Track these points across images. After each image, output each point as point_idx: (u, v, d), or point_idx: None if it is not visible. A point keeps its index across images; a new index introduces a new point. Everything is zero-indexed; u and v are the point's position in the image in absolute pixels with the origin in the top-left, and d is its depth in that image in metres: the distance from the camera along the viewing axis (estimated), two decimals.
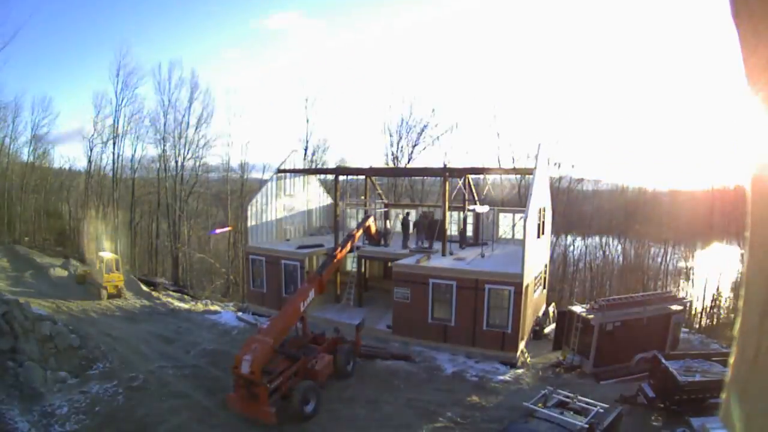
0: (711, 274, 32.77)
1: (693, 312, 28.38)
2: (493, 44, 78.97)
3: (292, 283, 19.82)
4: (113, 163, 40.51)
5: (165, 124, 39.81)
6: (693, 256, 35.68)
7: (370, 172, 22.83)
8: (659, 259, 37.46)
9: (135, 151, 41.43)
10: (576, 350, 14.97)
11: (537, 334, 18.66)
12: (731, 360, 0.57)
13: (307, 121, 41.41)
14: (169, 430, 11.45)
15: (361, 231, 18.33)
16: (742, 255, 29.77)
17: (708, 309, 30.70)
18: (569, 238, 39.30)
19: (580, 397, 10.40)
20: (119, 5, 64.52)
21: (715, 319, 29.93)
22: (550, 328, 18.71)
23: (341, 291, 21.16)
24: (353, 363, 14.62)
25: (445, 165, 20.07)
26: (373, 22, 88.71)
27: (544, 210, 19.65)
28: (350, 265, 22.97)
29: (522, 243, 15.96)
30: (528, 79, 74.62)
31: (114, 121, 39.73)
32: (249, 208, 21.31)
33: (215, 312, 22.37)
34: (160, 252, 41.30)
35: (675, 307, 15.48)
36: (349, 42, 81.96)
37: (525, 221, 15.63)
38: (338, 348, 14.31)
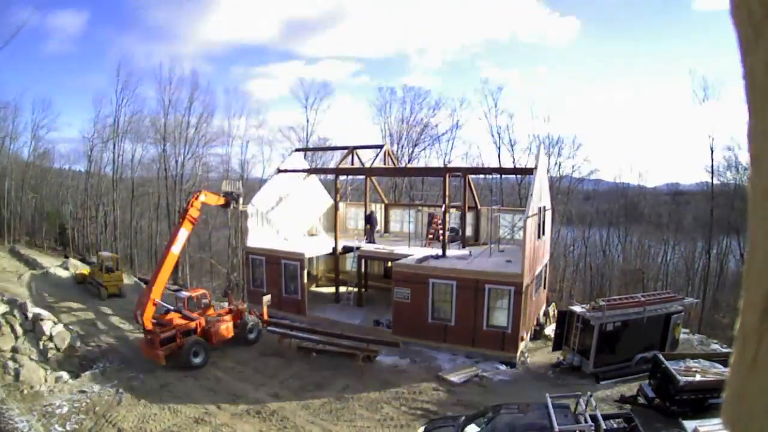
0: (711, 274, 32.75)
1: (693, 312, 28.35)
2: (494, 43, 79.03)
3: (292, 282, 19.84)
4: (113, 162, 40.58)
5: (165, 124, 39.84)
6: (693, 256, 35.68)
7: (370, 172, 22.81)
8: (659, 259, 37.48)
9: (135, 150, 41.48)
10: (576, 350, 14.96)
11: (537, 334, 18.66)
12: (731, 360, 0.57)
13: (307, 121, 41.48)
14: (169, 430, 11.46)
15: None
16: (742, 254, 29.76)
17: (708, 309, 30.69)
18: (569, 238, 39.32)
19: (597, 413, 9.17)
20: (119, 4, 64.57)
21: (715, 319, 29.91)
22: (550, 328, 18.70)
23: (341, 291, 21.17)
24: (257, 333, 16.89)
25: (445, 165, 20.07)
26: (373, 20, 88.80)
27: (545, 210, 19.64)
28: (350, 264, 22.97)
29: (522, 243, 15.96)
30: (528, 78, 74.73)
31: (114, 120, 39.80)
32: (249, 207, 21.31)
33: None
34: (160, 252, 41.29)
35: (675, 308, 15.47)
36: (348, 41, 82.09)
37: (525, 221, 15.62)
38: (242, 318, 16.72)
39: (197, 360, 14.71)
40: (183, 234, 16.15)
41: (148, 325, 14.53)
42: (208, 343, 15.29)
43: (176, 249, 15.98)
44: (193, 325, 15.36)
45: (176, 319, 15.51)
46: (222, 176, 43.03)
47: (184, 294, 16.90)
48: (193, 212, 16.58)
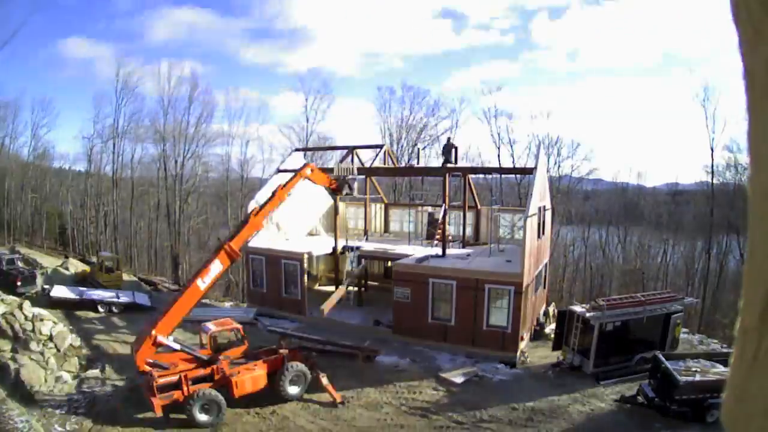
0: (711, 274, 32.75)
1: (693, 312, 28.36)
2: (493, 42, 79.04)
3: (292, 282, 19.84)
4: (113, 162, 40.58)
5: (165, 124, 39.86)
6: (693, 256, 35.69)
7: (370, 172, 22.80)
8: (659, 259, 37.49)
9: (135, 150, 41.48)
10: (576, 350, 14.96)
11: (537, 334, 18.66)
12: (731, 360, 0.57)
13: (307, 120, 41.49)
14: (169, 430, 11.46)
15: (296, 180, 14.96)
16: (742, 254, 29.76)
17: (708, 309, 30.69)
18: (569, 238, 39.35)
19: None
20: (119, 4, 64.60)
21: (715, 319, 29.92)
22: (550, 328, 18.70)
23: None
24: (303, 386, 12.81)
25: (445, 165, 20.04)
26: (372, 20, 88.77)
27: (544, 210, 19.64)
28: (350, 264, 22.96)
29: (522, 243, 15.96)
30: (528, 77, 74.69)
31: (114, 120, 39.80)
32: (249, 207, 21.31)
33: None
34: (160, 252, 41.30)
35: (675, 307, 15.47)
36: (348, 40, 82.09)
37: (525, 221, 15.63)
38: (286, 365, 12.64)
39: (204, 418, 11.41)
40: (217, 267, 12.91)
41: (142, 366, 11.63)
42: (229, 394, 11.91)
43: (203, 283, 12.67)
44: (206, 371, 12.05)
45: (181, 362, 12.31)
46: (222, 176, 43.16)
47: (209, 328, 12.78)
48: (283, 194, 13.92)
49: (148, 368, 11.67)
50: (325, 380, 12.77)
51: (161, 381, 11.39)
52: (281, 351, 13.12)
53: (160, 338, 11.80)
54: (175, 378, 11.61)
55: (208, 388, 11.73)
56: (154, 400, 11.07)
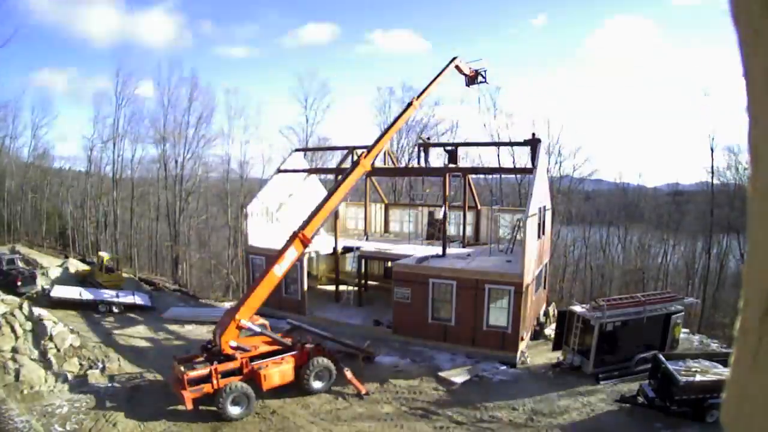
0: (711, 274, 32.74)
1: (693, 312, 28.35)
2: (493, 41, 79.11)
3: (292, 282, 19.83)
4: (113, 163, 40.54)
5: (165, 124, 39.84)
6: (693, 256, 35.68)
7: (370, 172, 22.77)
8: (659, 259, 37.48)
9: (135, 151, 41.44)
10: (576, 350, 14.96)
11: (537, 334, 18.66)
12: (731, 360, 0.57)
13: (307, 120, 41.46)
14: (170, 430, 11.46)
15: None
16: (742, 254, 29.75)
17: (708, 309, 30.67)
18: (569, 238, 39.33)
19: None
20: (119, 4, 64.63)
21: (715, 319, 29.91)
22: (550, 328, 18.69)
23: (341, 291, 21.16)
24: (329, 380, 13.34)
25: (445, 164, 20.05)
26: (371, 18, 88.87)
27: (545, 210, 19.64)
28: (350, 264, 22.97)
29: (522, 243, 15.97)
30: (528, 76, 74.77)
31: (114, 121, 39.78)
32: (249, 207, 21.32)
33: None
34: (160, 252, 41.30)
35: (675, 307, 15.47)
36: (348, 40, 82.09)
37: (525, 221, 15.63)
38: (312, 360, 13.16)
39: (234, 410, 11.83)
40: (291, 254, 13.59)
41: (226, 349, 12.36)
42: (258, 387, 12.32)
43: (280, 269, 13.38)
44: (234, 365, 12.42)
45: (262, 345, 13.11)
46: (222, 176, 43.13)
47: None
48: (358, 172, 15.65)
49: (231, 351, 12.37)
50: (349, 374, 13.44)
51: (192, 375, 11.74)
52: (307, 346, 13.49)
53: (243, 322, 12.49)
54: (205, 371, 11.93)
55: (237, 381, 12.12)
56: (185, 393, 11.45)
